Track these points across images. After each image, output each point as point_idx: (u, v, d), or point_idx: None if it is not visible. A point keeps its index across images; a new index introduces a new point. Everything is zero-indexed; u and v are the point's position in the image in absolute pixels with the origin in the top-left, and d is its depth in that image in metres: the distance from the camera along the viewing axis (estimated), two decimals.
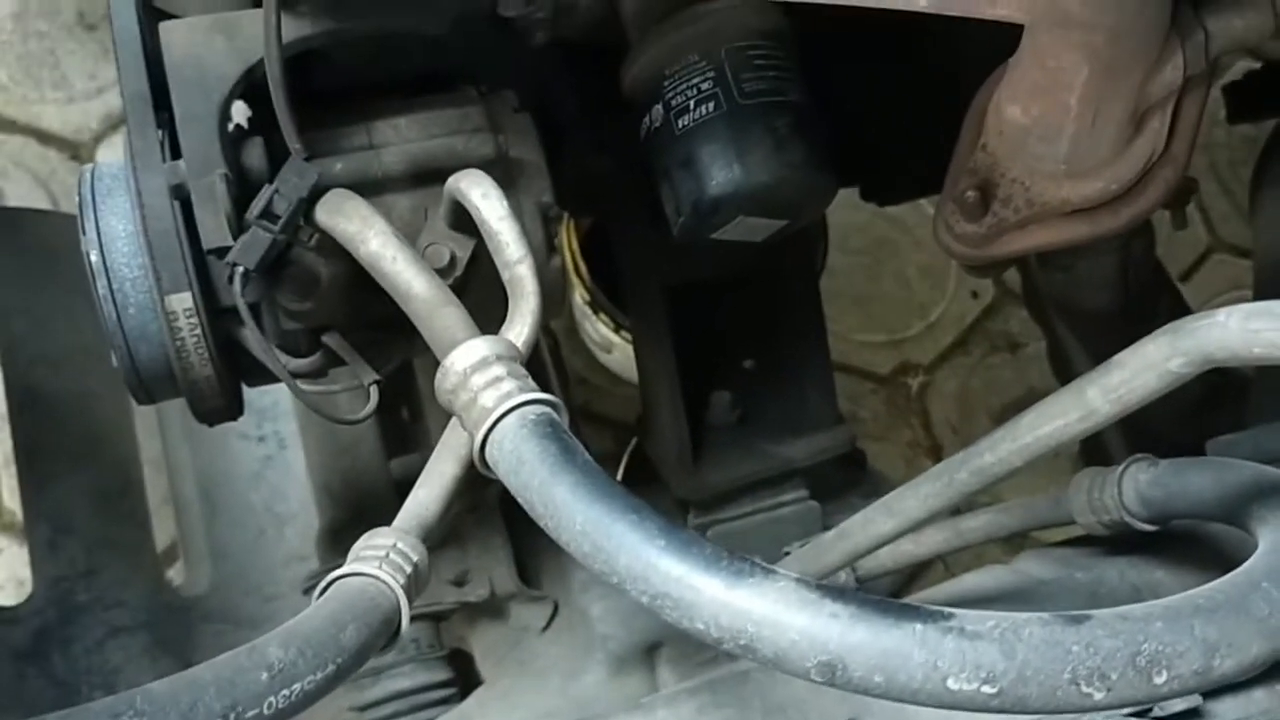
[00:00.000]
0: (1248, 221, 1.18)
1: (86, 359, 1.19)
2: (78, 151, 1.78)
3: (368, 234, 0.69)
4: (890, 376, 1.79)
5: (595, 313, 1.58)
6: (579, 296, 1.60)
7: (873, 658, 0.48)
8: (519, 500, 0.56)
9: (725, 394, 1.04)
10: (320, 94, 0.81)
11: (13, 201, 1.71)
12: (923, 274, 1.81)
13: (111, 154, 1.77)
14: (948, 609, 0.49)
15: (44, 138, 1.78)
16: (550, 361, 1.36)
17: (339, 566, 0.60)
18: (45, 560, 1.16)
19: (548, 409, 0.59)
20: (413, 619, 1.04)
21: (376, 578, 0.57)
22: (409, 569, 0.59)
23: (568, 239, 1.53)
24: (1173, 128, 0.75)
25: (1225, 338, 0.50)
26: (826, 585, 0.50)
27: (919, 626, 0.48)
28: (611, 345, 1.61)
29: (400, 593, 0.57)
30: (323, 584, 0.57)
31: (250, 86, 0.73)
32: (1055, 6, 0.60)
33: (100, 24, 1.79)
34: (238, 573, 1.24)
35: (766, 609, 0.49)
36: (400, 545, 0.60)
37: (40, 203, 1.73)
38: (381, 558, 0.58)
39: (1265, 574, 0.53)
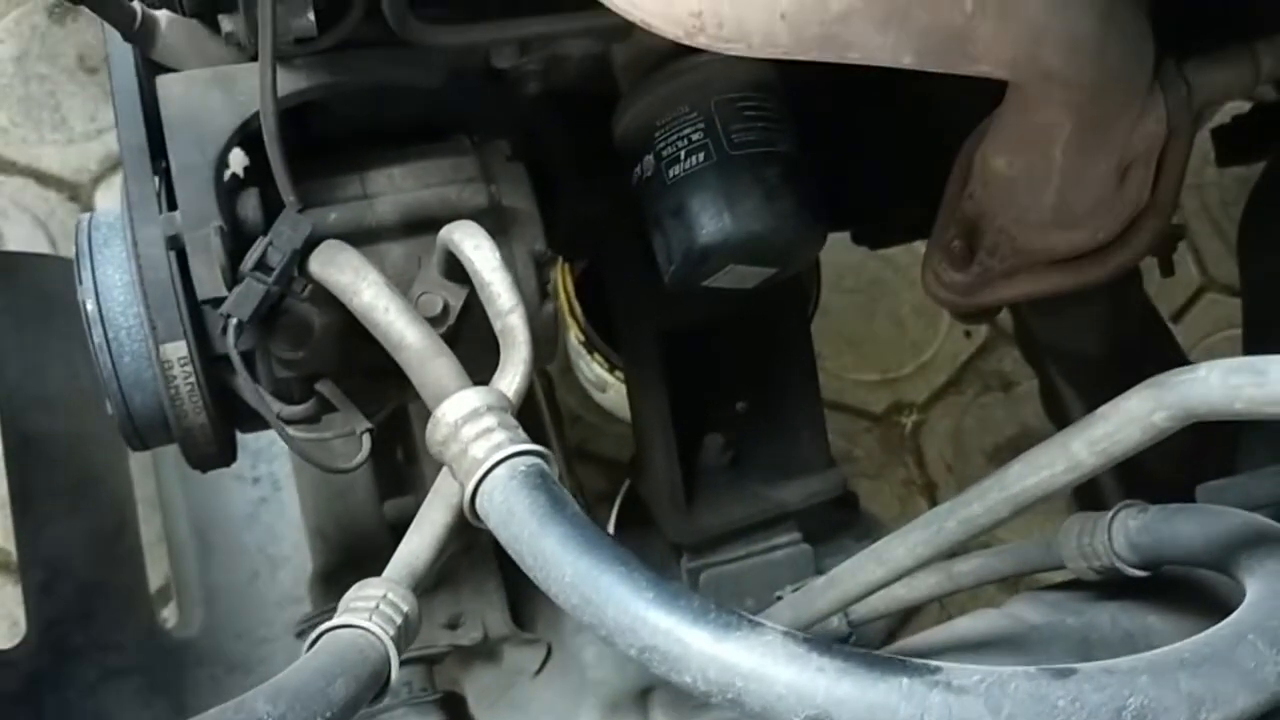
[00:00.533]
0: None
1: (82, 402, 1.19)
2: (77, 193, 1.80)
3: (360, 285, 0.69)
4: (884, 415, 1.79)
5: (590, 352, 1.58)
6: (574, 336, 1.60)
7: (859, 712, 0.48)
8: (509, 552, 0.57)
9: (718, 437, 1.04)
10: (316, 143, 0.82)
11: (12, 242, 1.72)
12: (916, 313, 1.82)
13: (110, 195, 1.78)
14: (934, 663, 0.49)
15: (43, 179, 1.80)
16: (544, 402, 1.36)
17: (332, 611, 0.61)
18: (39, 604, 1.16)
19: (538, 460, 0.59)
20: (406, 662, 1.04)
21: (366, 630, 0.57)
22: (399, 620, 0.59)
23: (562, 279, 1.54)
24: (1157, 178, 0.76)
25: (1207, 393, 0.51)
26: (814, 639, 0.50)
27: (905, 680, 0.49)
28: (606, 384, 1.61)
29: (389, 645, 0.57)
30: (312, 636, 0.57)
31: (248, 136, 0.74)
32: (1037, 64, 0.60)
33: (100, 67, 1.80)
34: (231, 615, 1.24)
35: (754, 662, 0.50)
36: (390, 596, 0.60)
37: (39, 243, 1.74)
38: (371, 609, 0.59)
39: (1252, 626, 0.53)
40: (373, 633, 0.57)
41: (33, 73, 1.84)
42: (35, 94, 1.83)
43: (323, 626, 0.57)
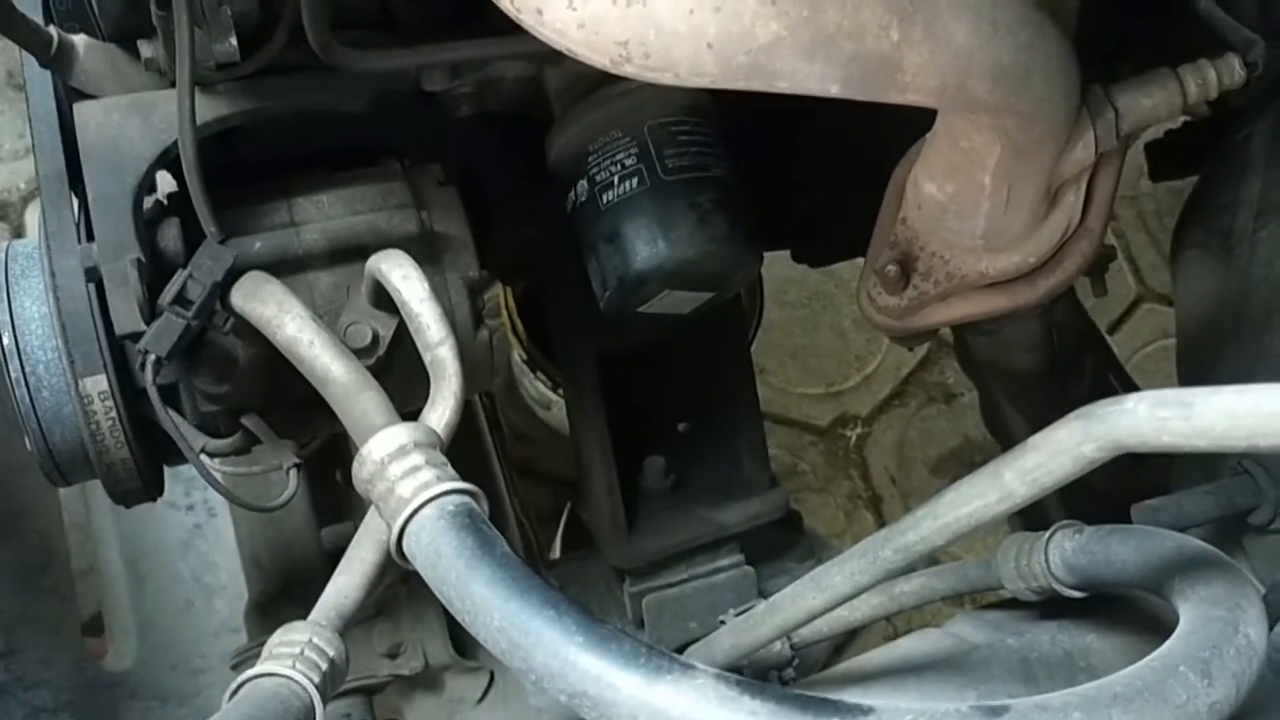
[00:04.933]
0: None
1: (8, 431, 1.16)
2: (6, 212, 1.75)
3: (284, 318, 0.68)
4: (829, 428, 1.80)
5: (533, 370, 1.57)
6: (517, 355, 1.59)
7: None
8: (436, 594, 0.55)
9: (659, 459, 1.03)
10: (242, 168, 0.80)
11: None
12: (859, 326, 1.83)
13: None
14: (866, 704, 0.49)
15: None
16: (486, 420, 1.34)
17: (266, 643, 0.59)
18: None
19: (467, 499, 0.58)
20: (346, 693, 1.02)
21: (289, 678, 0.56)
22: (324, 666, 0.58)
23: (504, 298, 1.52)
24: (1087, 201, 0.76)
25: (1135, 425, 0.51)
26: (747, 681, 0.50)
27: None
28: (550, 402, 1.60)
29: (314, 693, 0.56)
30: (233, 686, 0.55)
31: (172, 162, 0.73)
32: (964, 93, 0.60)
33: None
34: (165, 646, 1.21)
35: (686, 707, 0.49)
36: (315, 640, 0.59)
37: None
38: (296, 655, 0.57)
39: (1183, 658, 0.53)
40: (296, 681, 0.56)
41: None
42: None
43: (244, 675, 0.56)
